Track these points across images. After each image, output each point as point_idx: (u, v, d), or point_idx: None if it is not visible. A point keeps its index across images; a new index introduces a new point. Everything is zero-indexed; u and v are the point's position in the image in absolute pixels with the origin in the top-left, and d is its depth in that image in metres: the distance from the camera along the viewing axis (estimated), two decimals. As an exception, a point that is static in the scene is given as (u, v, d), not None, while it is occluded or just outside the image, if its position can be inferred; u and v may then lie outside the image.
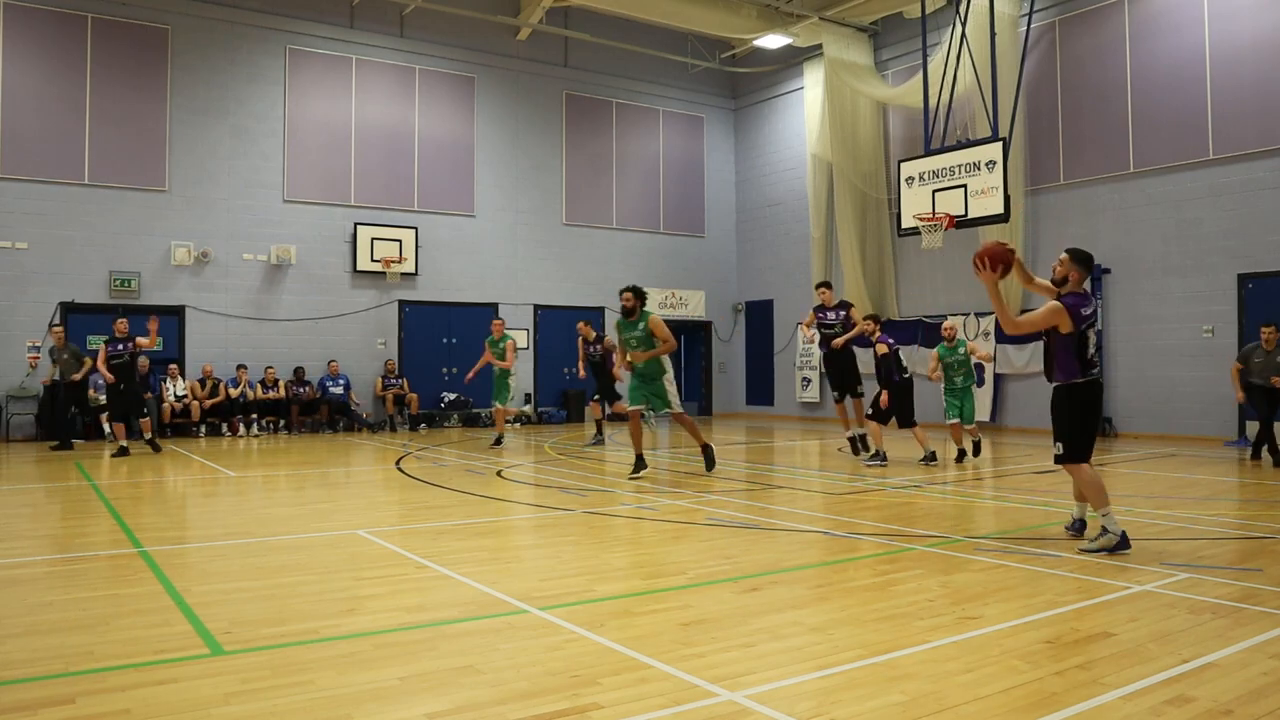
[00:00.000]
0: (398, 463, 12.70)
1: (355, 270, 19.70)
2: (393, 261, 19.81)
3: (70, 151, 17.24)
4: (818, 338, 13.28)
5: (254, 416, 18.01)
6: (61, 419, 15.33)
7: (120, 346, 13.84)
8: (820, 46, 21.08)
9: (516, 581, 5.57)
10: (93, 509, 8.65)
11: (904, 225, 17.55)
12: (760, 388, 24.17)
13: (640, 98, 23.52)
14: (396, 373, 19.72)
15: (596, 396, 16.32)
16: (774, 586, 5.45)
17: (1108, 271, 16.80)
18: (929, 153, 17.07)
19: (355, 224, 19.69)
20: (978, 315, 18.79)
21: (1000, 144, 15.90)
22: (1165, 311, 16.22)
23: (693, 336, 25.50)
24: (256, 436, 17.61)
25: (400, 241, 20.01)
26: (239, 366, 18.11)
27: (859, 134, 21.00)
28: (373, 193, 20.02)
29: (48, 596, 5.37)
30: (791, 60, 22.77)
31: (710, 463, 11.01)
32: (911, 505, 8.69)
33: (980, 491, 9.94)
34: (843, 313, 12.82)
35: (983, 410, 18.45)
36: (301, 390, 18.59)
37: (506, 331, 15.83)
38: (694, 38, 22.88)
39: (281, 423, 18.40)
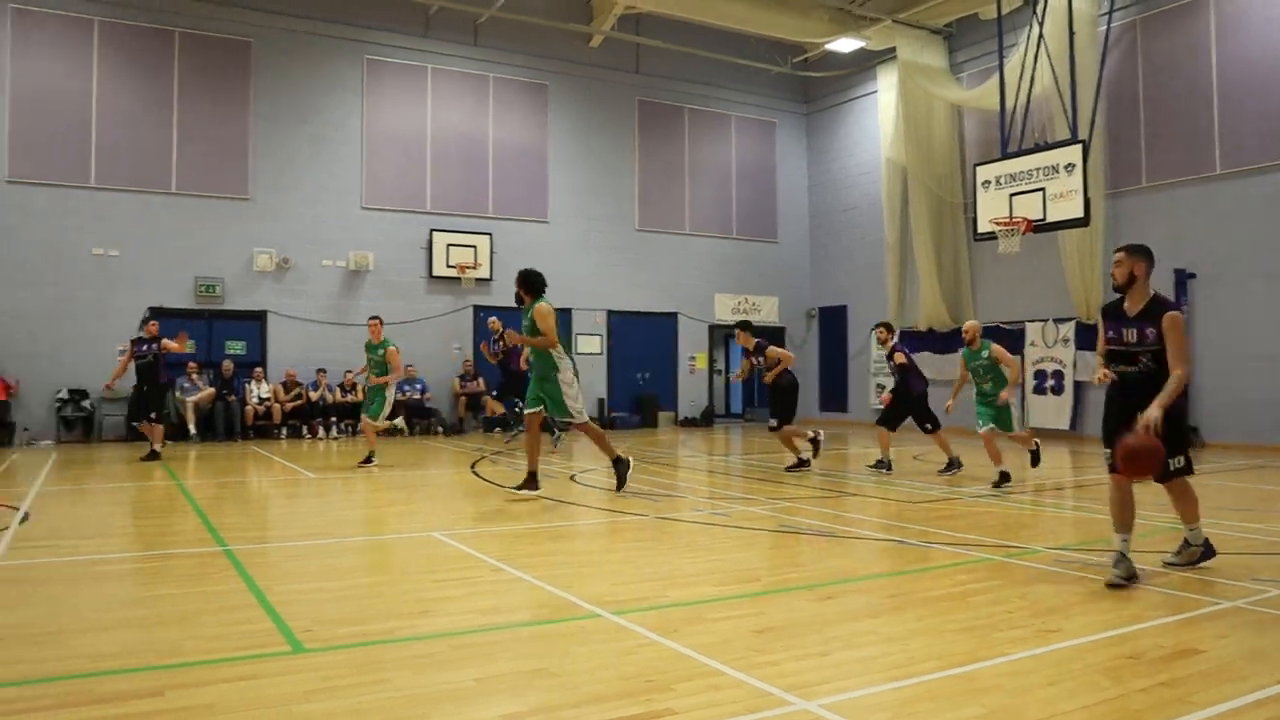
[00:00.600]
0: (473, 466, 12.84)
1: (431, 276, 20.00)
2: (468, 267, 20.06)
3: (158, 162, 17.81)
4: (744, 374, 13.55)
5: (333, 419, 18.38)
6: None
7: (145, 347, 13.64)
8: (894, 50, 20.87)
9: (590, 585, 5.60)
10: (180, 508, 8.90)
11: (980, 230, 17.28)
12: (834, 394, 23.97)
13: (712, 103, 23.51)
14: (473, 374, 19.97)
15: (494, 392, 15.69)
16: (848, 595, 5.40)
17: (1193, 276, 16.35)
18: (1005, 156, 16.78)
19: (431, 231, 19.99)
20: (1056, 322, 18.41)
21: (1079, 146, 15.56)
22: (1255, 317, 15.70)
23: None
24: (335, 439, 17.95)
25: (475, 248, 20.27)
26: (319, 370, 18.49)
27: (934, 137, 20.74)
28: (448, 200, 20.31)
29: (139, 591, 5.55)
30: (865, 64, 22.57)
31: (621, 481, 9.74)
32: (989, 515, 8.54)
33: (1061, 502, 9.74)
34: (761, 357, 12.53)
35: (1062, 418, 18.09)
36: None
37: (386, 336, 13.19)
38: (766, 43, 22.79)
39: (359, 425, 18.70)
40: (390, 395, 12.97)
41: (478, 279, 20.35)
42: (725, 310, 23.58)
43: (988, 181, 17.05)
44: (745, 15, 20.07)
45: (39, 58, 17.08)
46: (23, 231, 16.76)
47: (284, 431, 17.99)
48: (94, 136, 17.34)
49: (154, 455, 13.44)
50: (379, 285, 19.55)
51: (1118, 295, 5.90)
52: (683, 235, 23.07)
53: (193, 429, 16.96)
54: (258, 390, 17.90)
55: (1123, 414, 5.76)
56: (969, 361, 10.99)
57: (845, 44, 20.99)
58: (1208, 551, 6.01)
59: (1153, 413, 5.39)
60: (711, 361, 23.91)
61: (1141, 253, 5.78)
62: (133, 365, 13.70)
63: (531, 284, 9.71)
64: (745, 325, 12.90)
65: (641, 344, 22.44)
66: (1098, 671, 3.99)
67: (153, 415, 13.68)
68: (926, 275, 20.64)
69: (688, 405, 23.06)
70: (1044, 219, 15.96)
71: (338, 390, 18.56)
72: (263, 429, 17.88)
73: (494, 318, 16.48)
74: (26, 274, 16.75)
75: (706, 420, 23.03)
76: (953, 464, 11.86)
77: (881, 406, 12.26)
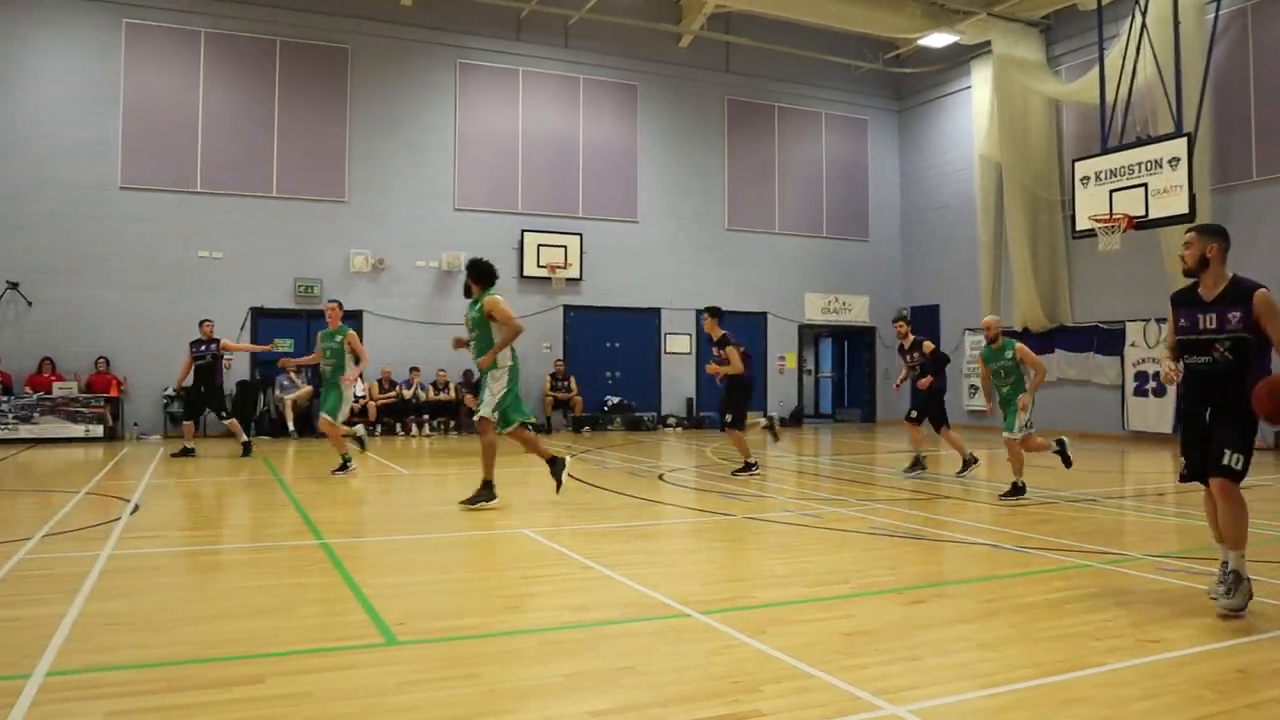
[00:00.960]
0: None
1: (522, 276, 20.24)
2: (558, 267, 20.25)
3: (260, 167, 18.39)
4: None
5: (426, 417, 18.72)
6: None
7: (204, 348, 13.69)
8: (988, 43, 20.42)
9: (678, 585, 5.60)
10: (279, 502, 9.17)
11: (1078, 227, 16.85)
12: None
13: (802, 101, 23.32)
14: (565, 374, 20.14)
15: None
16: (940, 599, 5.31)
17: (1308, 274, 15.66)
18: (1106, 151, 16.33)
19: (522, 231, 20.23)
20: (1158, 322, 17.80)
21: (1184, 139, 15.06)
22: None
23: (856, 342, 25.11)
24: (428, 436, 18.29)
25: (565, 248, 20.45)
26: (412, 369, 18.87)
27: (1030, 133, 20.24)
28: (539, 200, 20.54)
29: (242, 582, 5.74)
30: (958, 59, 22.15)
31: (479, 498, 8.72)
32: (1086, 520, 8.32)
33: (1161, 508, 9.43)
34: (721, 350, 11.88)
35: (1163, 422, 17.51)
36: (471, 392, 19.22)
37: (342, 322, 11.94)
38: (857, 39, 22.53)
39: (451, 423, 19.06)
40: (349, 392, 11.64)
41: (568, 279, 20.52)
42: (815, 310, 23.38)
43: (1087, 177, 16.60)
44: (836, 12, 19.85)
45: (149, 69, 17.78)
46: (133, 235, 17.46)
47: (378, 429, 18.39)
48: (200, 143, 17.99)
49: (189, 452, 13.51)
50: (471, 285, 19.84)
51: (1190, 282, 5.27)
52: (772, 234, 22.93)
53: (291, 426, 17.46)
54: (353, 388, 18.31)
55: (1197, 413, 5.17)
56: (989, 361, 10.15)
57: (938, 39, 20.63)
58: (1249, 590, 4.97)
59: None
60: (801, 361, 23.73)
61: (1215, 233, 5.23)
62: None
63: (482, 274, 9.00)
64: (714, 311, 12.04)
65: (730, 344, 22.37)
66: (1202, 685, 3.85)
67: (223, 415, 13.98)
68: (1021, 274, 20.16)
69: (777, 405, 22.90)
70: (1146, 215, 15.49)
71: (430, 388, 18.91)
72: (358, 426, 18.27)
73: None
74: (137, 275, 17.43)
75: (796, 420, 22.86)
76: (919, 463, 11.78)
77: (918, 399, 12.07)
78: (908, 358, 12.30)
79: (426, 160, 19.67)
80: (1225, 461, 4.91)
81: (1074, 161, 17.26)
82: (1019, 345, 10.00)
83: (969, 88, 22.09)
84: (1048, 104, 20.20)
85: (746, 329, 22.58)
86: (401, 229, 19.37)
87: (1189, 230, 5.30)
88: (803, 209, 23.32)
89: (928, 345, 12.04)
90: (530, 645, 4.36)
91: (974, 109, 21.80)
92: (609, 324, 20.98)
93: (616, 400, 20.87)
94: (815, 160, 23.53)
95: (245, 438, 14.03)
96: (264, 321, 18.33)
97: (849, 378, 25.98)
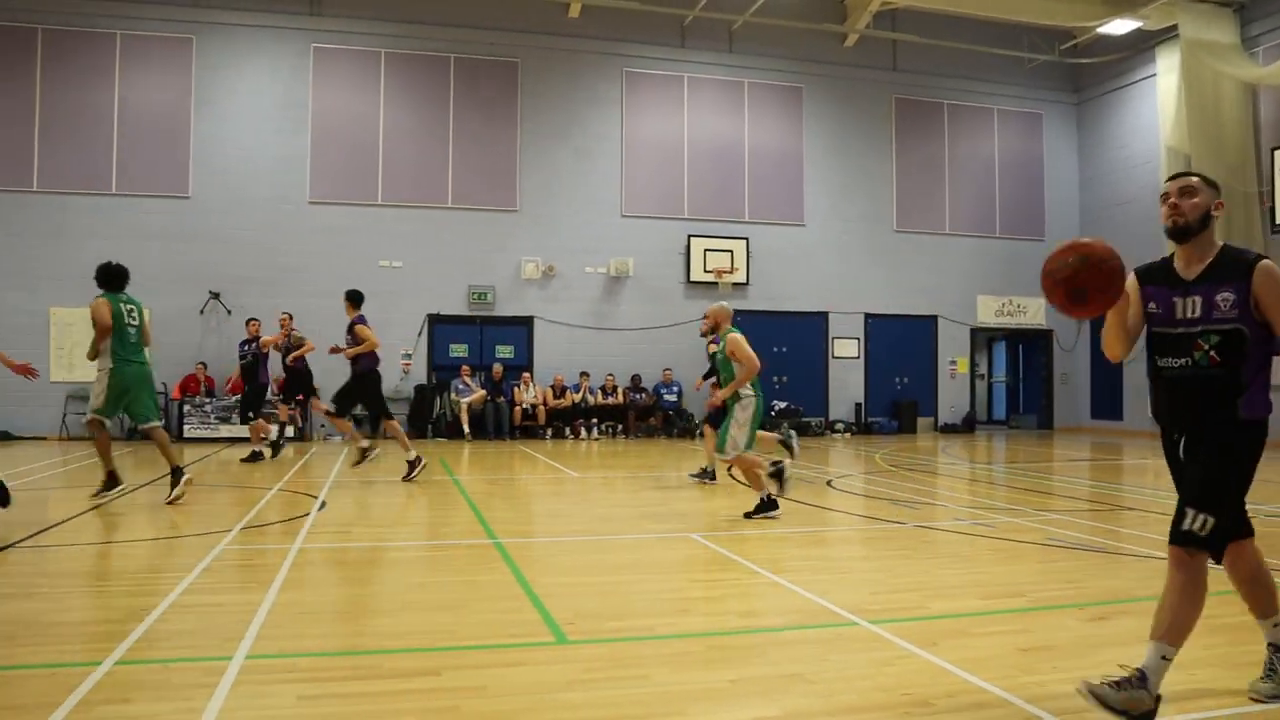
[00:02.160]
0: (729, 469, 12.95)
1: (689, 281, 20.37)
2: (724, 272, 20.29)
3: (436, 179, 19.18)
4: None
5: (594, 421, 19.07)
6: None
7: (245, 348, 13.49)
8: (1175, 28, 19.30)
9: (847, 593, 5.53)
10: (455, 501, 9.51)
11: (1279, 221, 15.71)
12: (1107, 401, 22.45)
13: (973, 97, 22.62)
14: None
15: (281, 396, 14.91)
16: (1124, 616, 5.06)
17: None
18: (1313, 138, 15.20)
19: (689, 236, 20.35)
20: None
21: (1405, 124, 13.87)
22: None
23: (1031, 346, 24.18)
24: (597, 439, 18.61)
25: (731, 252, 20.47)
26: (581, 373, 19.26)
27: (1222, 121, 19.01)
28: (705, 205, 20.63)
29: (420, 578, 6.00)
30: (1141, 45, 21.02)
31: (174, 486, 8.67)
32: (1290, 535, 7.76)
33: (1378, 523, 8.70)
34: (350, 335, 11.20)
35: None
36: (638, 396, 19.47)
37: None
38: (1030, 30, 21.68)
39: (619, 427, 19.34)
40: None
41: (735, 283, 20.52)
42: (988, 313, 22.63)
43: (1289, 167, 15.50)
44: (1009, 3, 19.19)
45: (335, 89, 18.81)
46: (320, 247, 18.46)
47: (549, 432, 18.83)
48: (380, 158, 18.91)
49: (256, 456, 13.04)
50: (639, 290, 20.12)
51: (1161, 259, 3.91)
52: (942, 235, 22.33)
53: (466, 429, 18.07)
54: (526, 393, 18.85)
55: (1172, 438, 3.84)
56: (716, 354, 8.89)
57: (1119, 25, 19.65)
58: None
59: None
60: (973, 366, 23.01)
61: (1218, 187, 3.83)
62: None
63: (100, 277, 8.72)
64: (350, 296, 11.51)
65: (899, 348, 21.90)
66: None
67: (250, 415, 13.47)
68: (1216, 272, 18.93)
69: (948, 411, 22.30)
70: (1359, 207, 14.35)
71: (599, 392, 19.26)
72: (528, 429, 18.80)
73: (286, 315, 15.12)
74: (324, 284, 18.35)
75: (968, 426, 22.17)
76: (707, 472, 11.04)
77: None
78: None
79: (594, 168, 20.06)
80: (1185, 526, 3.59)
81: (1274, 150, 16.16)
82: (731, 336, 8.58)
83: (1154, 75, 20.93)
84: (1243, 89, 18.95)
85: (916, 333, 22.08)
86: (570, 236, 19.80)
87: (1182, 175, 3.83)
88: (974, 208, 22.62)
89: (713, 349, 10.84)
90: (699, 649, 4.39)
91: (1159, 98, 20.64)
92: (776, 328, 20.85)
93: (784, 405, 20.71)
94: (987, 158, 22.79)
95: (270, 439, 13.37)
96: (439, 328, 19.08)
97: (1024, 382, 25.03)
